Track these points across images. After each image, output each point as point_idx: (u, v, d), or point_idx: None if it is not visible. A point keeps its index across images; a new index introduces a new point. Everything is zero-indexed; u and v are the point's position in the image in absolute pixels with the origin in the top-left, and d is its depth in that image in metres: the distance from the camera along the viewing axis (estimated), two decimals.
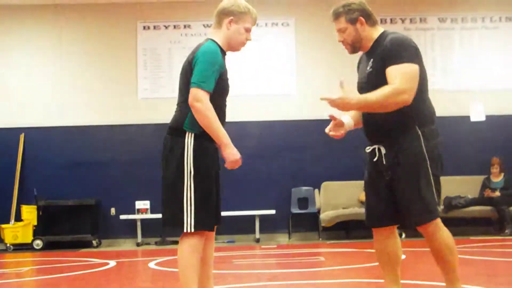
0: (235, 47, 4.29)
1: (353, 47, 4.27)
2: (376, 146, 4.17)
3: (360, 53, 4.36)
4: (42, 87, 12.33)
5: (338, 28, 4.25)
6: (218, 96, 4.12)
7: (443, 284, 4.14)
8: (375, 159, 4.15)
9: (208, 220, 4.07)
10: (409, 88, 3.93)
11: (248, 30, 4.25)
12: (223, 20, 4.22)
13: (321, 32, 12.13)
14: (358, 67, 4.45)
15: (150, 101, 12.30)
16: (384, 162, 4.11)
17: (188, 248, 4.01)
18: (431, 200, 4.00)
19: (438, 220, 4.04)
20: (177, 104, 4.18)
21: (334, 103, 3.95)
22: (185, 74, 4.12)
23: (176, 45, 12.41)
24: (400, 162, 4.04)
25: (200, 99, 3.95)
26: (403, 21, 12.57)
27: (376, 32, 4.23)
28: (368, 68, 4.19)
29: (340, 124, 4.38)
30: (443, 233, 4.03)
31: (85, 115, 12.24)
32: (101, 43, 12.42)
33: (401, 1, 12.53)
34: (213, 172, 4.12)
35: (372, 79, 4.11)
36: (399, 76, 3.94)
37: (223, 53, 4.21)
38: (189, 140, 4.03)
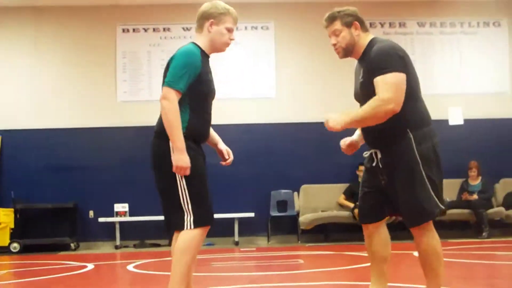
0: (219, 48, 4.32)
1: (346, 51, 4.33)
2: (373, 151, 4.29)
3: (354, 61, 4.42)
4: (20, 89, 12.25)
5: (333, 30, 4.32)
6: (203, 98, 4.17)
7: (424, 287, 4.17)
8: (373, 164, 4.27)
9: (206, 216, 4.12)
10: (394, 97, 4.01)
11: (230, 30, 4.28)
12: (204, 23, 4.25)
13: (300, 35, 12.19)
14: (355, 74, 4.52)
15: (129, 104, 12.26)
16: (380, 166, 4.22)
17: (183, 245, 4.05)
18: (425, 202, 4.07)
19: (429, 224, 4.11)
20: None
21: (327, 125, 4.07)
22: (166, 73, 4.15)
23: (155, 48, 12.38)
24: (394, 166, 4.14)
25: (168, 97, 4.01)
26: (382, 25, 12.63)
27: (367, 38, 4.31)
28: (360, 78, 4.28)
29: (353, 145, 4.51)
30: (432, 238, 4.11)
31: (63, 118, 12.16)
32: (80, 46, 12.35)
33: (380, 5, 12.57)
34: (203, 169, 4.15)
35: (364, 90, 4.20)
36: (385, 87, 4.03)
37: (205, 56, 4.24)
38: None
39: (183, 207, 4.06)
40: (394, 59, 4.08)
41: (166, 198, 4.16)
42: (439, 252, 4.11)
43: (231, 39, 4.32)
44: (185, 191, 4.05)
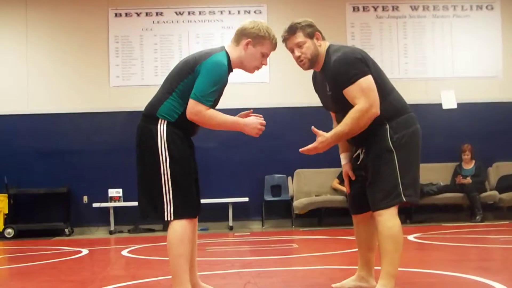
0: (247, 69, 4.28)
1: (311, 62, 4.31)
2: (359, 150, 4.37)
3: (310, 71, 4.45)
4: (12, 74, 12.20)
5: (296, 42, 4.30)
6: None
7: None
8: (358, 162, 4.38)
9: (188, 207, 4.06)
10: (372, 101, 4.06)
11: (264, 56, 4.23)
12: (241, 39, 4.19)
13: (293, 19, 12.13)
14: (314, 84, 4.56)
15: (122, 88, 12.23)
16: (360, 159, 4.35)
17: (175, 237, 4.01)
18: (389, 189, 4.11)
19: (391, 211, 4.11)
20: (158, 92, 4.17)
21: (315, 150, 4.17)
22: (182, 70, 4.09)
23: (148, 33, 12.34)
24: (369, 157, 4.23)
25: (198, 113, 3.96)
26: (375, 8, 12.61)
27: (325, 48, 4.31)
28: (328, 90, 4.29)
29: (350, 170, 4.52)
30: (390, 223, 4.09)
31: (56, 103, 12.13)
32: (72, 30, 12.29)
33: None
34: (189, 159, 4.12)
35: (337, 101, 4.24)
36: (359, 95, 4.06)
37: (230, 69, 4.19)
38: (162, 127, 4.03)
39: (163, 196, 4.00)
40: (356, 65, 4.10)
41: (147, 184, 4.08)
42: (396, 240, 4.08)
43: (264, 64, 4.26)
44: (167, 179, 4.00)
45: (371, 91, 4.06)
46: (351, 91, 4.08)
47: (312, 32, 4.27)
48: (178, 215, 4.00)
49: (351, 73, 4.07)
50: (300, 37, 4.28)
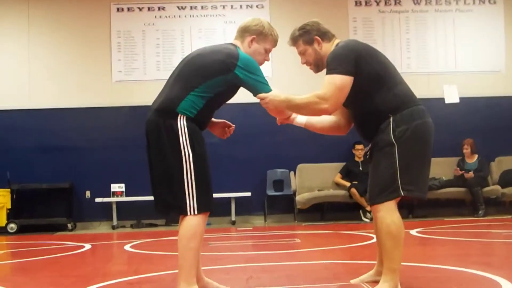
0: None
1: (317, 67, 4.43)
2: (370, 145, 4.37)
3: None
4: (14, 69, 12.20)
5: (299, 51, 4.45)
6: (220, 103, 4.26)
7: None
8: (367, 156, 4.38)
9: (209, 201, 4.10)
10: (330, 97, 4.08)
11: (267, 51, 4.38)
12: (245, 36, 4.34)
13: (295, 13, 12.13)
14: None
15: (124, 83, 12.22)
16: (367, 155, 4.36)
17: (189, 231, 4.02)
18: (386, 183, 4.09)
19: (388, 205, 4.09)
20: (174, 88, 4.13)
21: (263, 101, 4.21)
22: (208, 71, 4.11)
23: (150, 27, 12.33)
24: (373, 150, 4.24)
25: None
26: (377, 3, 12.59)
27: (332, 47, 4.35)
28: None
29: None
30: (388, 219, 4.07)
31: (58, 98, 12.13)
32: (74, 25, 12.29)
33: None
34: (207, 154, 4.13)
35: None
36: (327, 86, 4.10)
37: None
38: (182, 122, 4.02)
39: (186, 191, 3.99)
40: (343, 61, 4.12)
41: (168, 180, 4.05)
42: (395, 235, 4.05)
43: (266, 60, 4.39)
44: (190, 174, 3.99)
45: (337, 90, 4.07)
46: (325, 79, 4.13)
47: (310, 38, 4.36)
48: (201, 209, 4.02)
49: (332, 65, 4.13)
50: (300, 46, 4.42)
